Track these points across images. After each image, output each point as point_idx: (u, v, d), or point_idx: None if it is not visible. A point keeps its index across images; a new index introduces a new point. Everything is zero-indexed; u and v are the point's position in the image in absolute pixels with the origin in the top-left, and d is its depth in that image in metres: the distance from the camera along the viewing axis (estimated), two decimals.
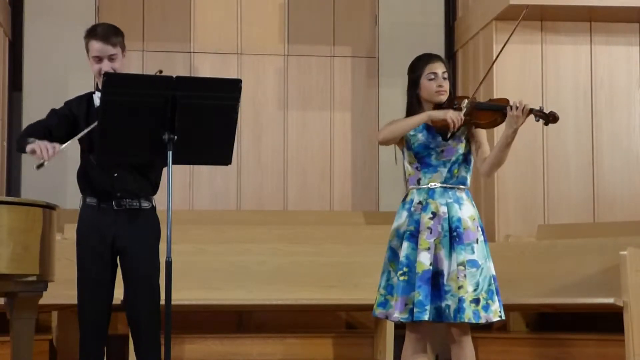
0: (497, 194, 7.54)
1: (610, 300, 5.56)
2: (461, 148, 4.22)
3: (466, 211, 4.16)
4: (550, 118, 4.08)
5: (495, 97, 7.48)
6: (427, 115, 4.16)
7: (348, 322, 7.21)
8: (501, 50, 4.49)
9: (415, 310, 4.03)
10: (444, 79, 4.21)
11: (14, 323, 4.41)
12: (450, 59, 8.57)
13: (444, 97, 4.21)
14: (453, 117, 4.08)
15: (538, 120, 4.10)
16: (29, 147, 4.22)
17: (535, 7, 7.41)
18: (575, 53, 7.74)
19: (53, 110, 4.44)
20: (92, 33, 4.38)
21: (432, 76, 4.20)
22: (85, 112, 4.38)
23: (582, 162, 7.65)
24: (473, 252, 4.10)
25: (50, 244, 4.43)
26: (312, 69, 8.63)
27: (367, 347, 6.49)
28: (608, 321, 6.10)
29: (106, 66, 4.32)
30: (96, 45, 4.34)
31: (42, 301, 4.54)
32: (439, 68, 4.21)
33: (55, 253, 4.54)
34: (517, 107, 4.06)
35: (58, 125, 4.35)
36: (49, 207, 4.44)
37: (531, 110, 4.08)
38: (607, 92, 7.73)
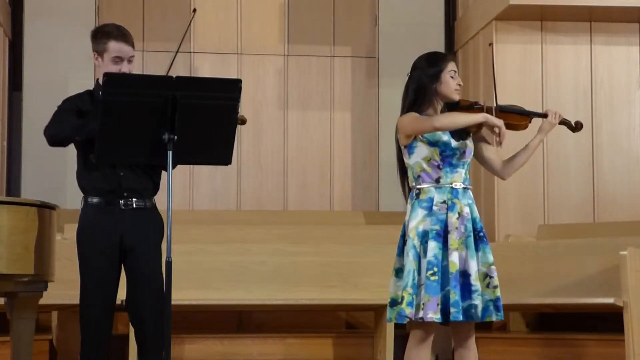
0: (497, 194, 7.54)
1: (610, 300, 5.56)
2: (473, 150, 4.26)
3: (477, 212, 4.21)
4: (578, 126, 4.36)
5: (494, 97, 7.49)
6: (484, 116, 4.17)
7: (348, 322, 7.21)
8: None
9: (452, 310, 4.01)
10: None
11: (14, 323, 4.41)
12: None
13: (458, 96, 4.28)
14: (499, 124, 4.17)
15: (568, 127, 4.37)
16: None
17: (535, 7, 7.42)
18: (575, 53, 7.74)
19: (64, 108, 4.38)
20: (111, 34, 4.35)
21: (453, 74, 4.25)
22: (92, 107, 4.36)
23: (582, 162, 7.65)
24: (490, 252, 4.15)
25: (50, 244, 4.43)
26: (312, 69, 8.63)
27: (367, 347, 6.49)
28: (608, 321, 6.10)
29: (125, 68, 4.32)
30: (117, 47, 4.32)
31: (42, 301, 4.54)
32: (456, 68, 4.31)
33: (55, 253, 4.54)
34: (553, 115, 4.28)
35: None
36: (48, 207, 4.44)
37: (561, 119, 4.32)
38: (607, 92, 7.73)
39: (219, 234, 7.12)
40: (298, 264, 6.54)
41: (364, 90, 8.66)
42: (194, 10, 4.53)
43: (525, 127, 4.31)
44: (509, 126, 4.25)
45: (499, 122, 4.14)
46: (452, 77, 4.25)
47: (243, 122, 4.34)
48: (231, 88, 4.08)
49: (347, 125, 8.61)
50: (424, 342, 4.22)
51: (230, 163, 4.20)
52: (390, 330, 6.12)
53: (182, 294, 5.96)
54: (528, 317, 6.97)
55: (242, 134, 8.36)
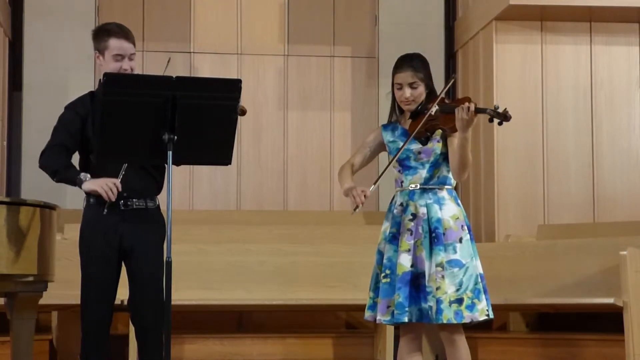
0: (497, 194, 7.54)
1: (610, 300, 5.56)
2: (438, 148, 4.19)
3: (448, 211, 4.14)
4: (502, 117, 3.94)
5: (495, 97, 7.50)
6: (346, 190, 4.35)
7: (348, 322, 7.21)
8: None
9: (395, 312, 4.06)
10: (413, 88, 4.18)
11: (14, 323, 4.41)
12: (450, 59, 8.57)
13: (410, 107, 4.20)
14: None
15: (492, 121, 4.01)
16: (88, 187, 4.24)
17: (535, 7, 7.42)
18: (575, 53, 7.74)
19: (61, 126, 4.40)
20: (111, 31, 4.36)
21: (398, 87, 4.21)
22: (92, 109, 4.36)
23: (582, 162, 7.65)
24: (455, 252, 4.08)
25: (50, 244, 4.43)
26: (312, 69, 8.63)
27: (367, 347, 6.49)
28: (608, 321, 6.10)
29: (126, 64, 4.32)
30: (117, 44, 4.33)
31: (42, 301, 4.54)
32: (406, 79, 4.17)
33: (55, 253, 4.54)
34: (460, 110, 3.98)
35: (74, 142, 4.36)
36: (48, 207, 4.44)
37: (478, 111, 3.98)
38: (607, 92, 7.72)
39: (218, 234, 7.12)
40: (298, 264, 6.54)
41: (364, 90, 8.66)
42: (169, 59, 4.55)
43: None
44: (452, 129, 4.07)
45: (355, 194, 4.24)
46: (398, 89, 4.20)
47: (243, 112, 4.28)
48: (231, 88, 4.08)
49: (347, 125, 8.61)
50: (413, 342, 4.26)
51: (230, 163, 4.20)
52: (390, 330, 6.13)
53: (182, 294, 5.96)
54: (528, 317, 6.97)
55: (242, 134, 8.36)
